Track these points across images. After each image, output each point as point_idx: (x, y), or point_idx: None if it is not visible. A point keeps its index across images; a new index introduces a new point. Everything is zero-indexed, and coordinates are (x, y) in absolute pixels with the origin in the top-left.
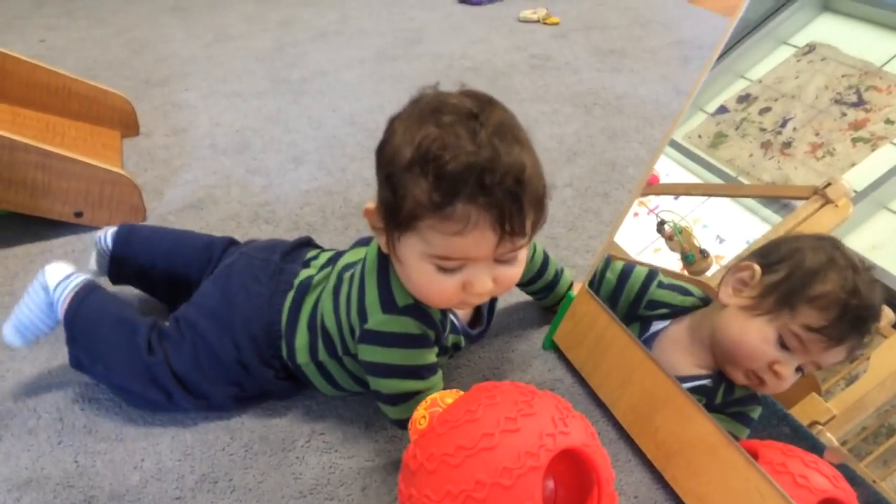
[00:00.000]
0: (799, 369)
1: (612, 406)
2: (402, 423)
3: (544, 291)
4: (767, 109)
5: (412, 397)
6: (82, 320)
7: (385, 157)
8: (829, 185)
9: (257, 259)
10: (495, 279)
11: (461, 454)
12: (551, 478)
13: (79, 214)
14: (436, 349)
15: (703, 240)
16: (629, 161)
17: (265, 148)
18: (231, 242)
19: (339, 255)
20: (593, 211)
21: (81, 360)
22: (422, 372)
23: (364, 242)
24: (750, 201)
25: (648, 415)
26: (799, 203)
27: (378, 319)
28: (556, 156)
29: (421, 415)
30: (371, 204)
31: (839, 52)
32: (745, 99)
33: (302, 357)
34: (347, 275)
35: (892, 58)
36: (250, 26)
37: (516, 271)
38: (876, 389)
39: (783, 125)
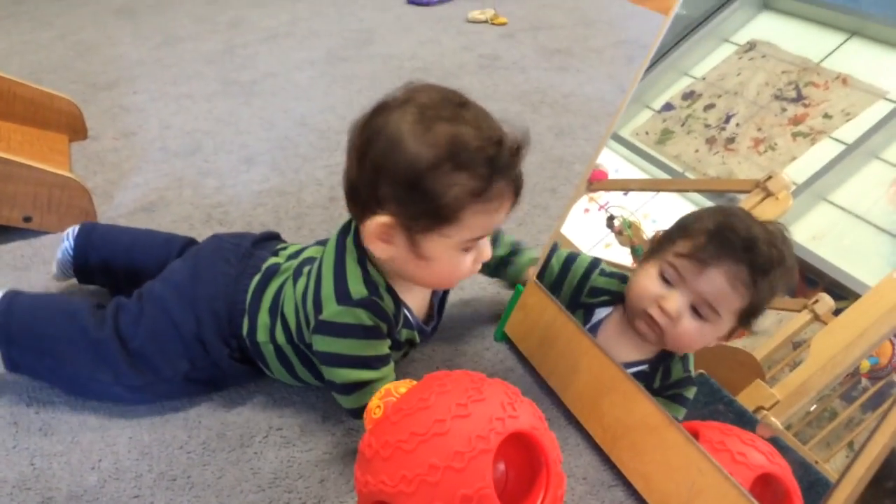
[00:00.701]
0: (695, 313)
1: (562, 393)
2: (357, 413)
3: (503, 266)
4: (711, 106)
5: (365, 387)
6: (18, 317)
7: (401, 169)
8: (769, 178)
9: (228, 243)
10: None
11: (414, 440)
12: (502, 461)
13: (27, 219)
14: (388, 341)
15: (651, 234)
16: (576, 157)
17: (217, 150)
18: (190, 242)
19: (303, 249)
20: (541, 206)
21: (19, 360)
22: (373, 362)
23: (324, 244)
24: (696, 196)
25: (595, 400)
26: (742, 196)
27: (332, 310)
28: None
29: (375, 404)
30: (383, 218)
31: (778, 50)
32: (689, 96)
33: (262, 335)
34: (307, 269)
35: (830, 54)
36: (199, 28)
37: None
38: (817, 374)
39: (727, 121)
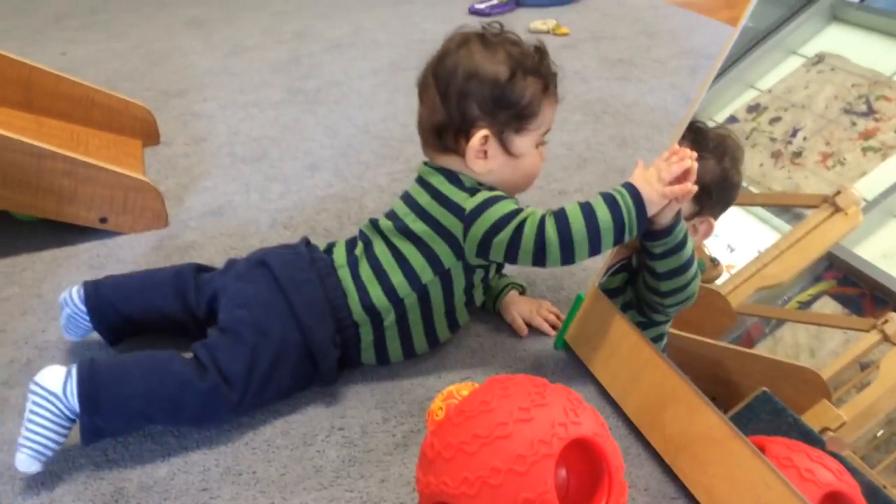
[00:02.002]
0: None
1: (622, 402)
2: (539, 253)
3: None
4: (777, 119)
5: (522, 226)
6: (104, 383)
7: (487, 87)
8: (838, 193)
9: (286, 254)
10: None
11: (477, 442)
12: (563, 467)
13: (103, 220)
14: None
15: (714, 249)
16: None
17: (282, 156)
18: (198, 268)
19: (353, 239)
20: None
21: (104, 426)
22: (518, 209)
23: (374, 222)
24: (761, 211)
25: (657, 410)
26: (809, 211)
27: (472, 202)
28: (567, 162)
29: (438, 406)
30: (482, 132)
31: (848, 62)
32: (754, 109)
33: (381, 302)
34: (411, 210)
35: None
36: (266, 38)
37: None
38: (886, 396)
39: (793, 135)
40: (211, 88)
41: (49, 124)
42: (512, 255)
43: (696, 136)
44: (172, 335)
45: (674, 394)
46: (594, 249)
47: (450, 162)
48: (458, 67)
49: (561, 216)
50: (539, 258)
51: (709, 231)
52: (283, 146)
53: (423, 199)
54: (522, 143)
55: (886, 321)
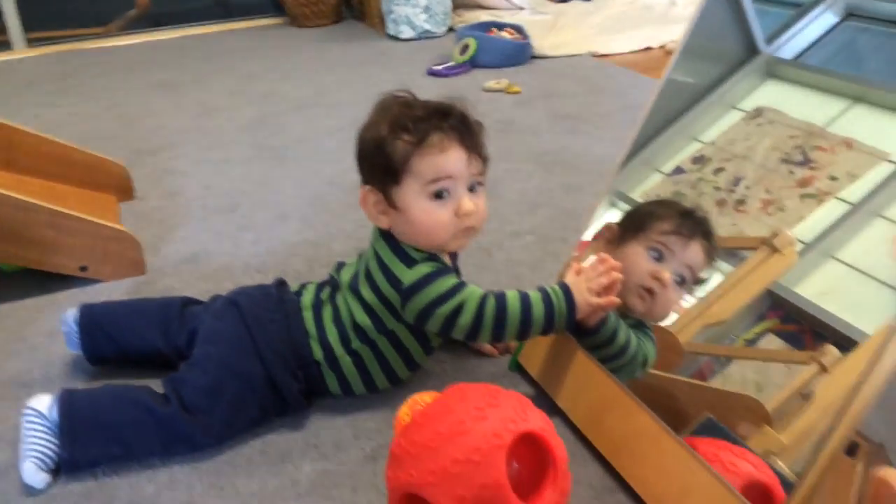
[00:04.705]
0: (682, 281)
1: (570, 412)
2: (474, 331)
3: None
4: (721, 169)
5: (462, 307)
6: (81, 414)
7: (368, 145)
8: (775, 235)
9: (256, 295)
10: (475, 205)
11: (439, 439)
12: (515, 461)
13: (84, 269)
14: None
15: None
16: (585, 210)
17: (253, 207)
18: (187, 301)
19: (323, 282)
20: (553, 254)
21: (81, 458)
22: (460, 286)
23: (339, 266)
24: None
25: (600, 416)
26: (748, 253)
27: (409, 275)
28: (520, 207)
29: (404, 412)
30: (363, 190)
31: (784, 116)
32: (699, 160)
33: (338, 349)
34: (362, 270)
35: (834, 119)
36: (234, 100)
37: (484, 203)
38: (820, 419)
39: (736, 184)
40: (182, 147)
41: (29, 182)
42: (448, 329)
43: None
44: (155, 367)
45: (614, 401)
46: (523, 336)
47: (379, 224)
48: (359, 136)
49: (500, 302)
50: (471, 335)
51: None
52: (254, 198)
53: (372, 263)
54: (403, 196)
55: (824, 353)
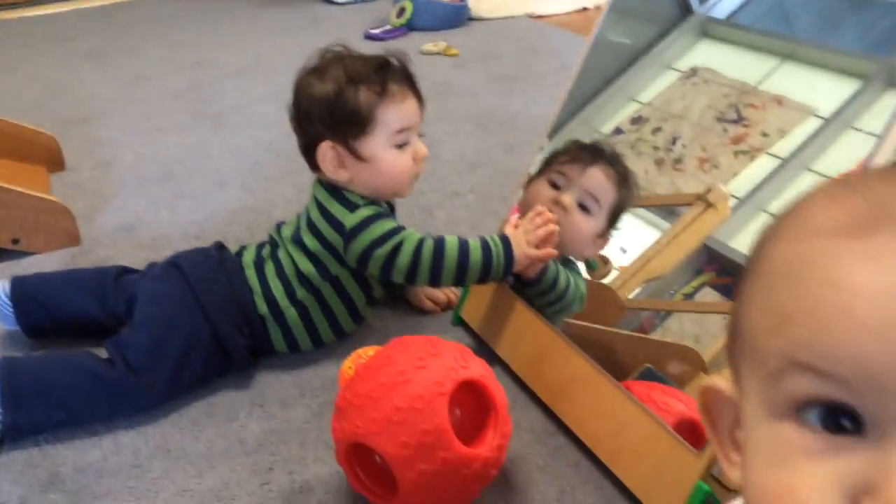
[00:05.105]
0: (582, 208)
1: (510, 361)
2: (412, 273)
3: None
4: (659, 129)
5: (400, 246)
6: (23, 380)
7: (323, 98)
8: (709, 191)
9: (196, 257)
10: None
11: (381, 389)
12: (457, 408)
13: (16, 241)
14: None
15: (607, 251)
16: (523, 169)
17: (190, 175)
18: (123, 270)
19: (263, 242)
20: (493, 212)
21: (24, 423)
22: (399, 229)
23: (279, 226)
24: (648, 215)
25: (538, 363)
26: (684, 209)
27: (351, 218)
28: (459, 168)
29: (348, 366)
30: (326, 143)
31: (718, 75)
32: (637, 121)
33: (282, 301)
34: (303, 222)
35: (765, 77)
36: (166, 67)
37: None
38: None
39: (673, 143)
40: (113, 116)
41: None
42: (387, 270)
43: (611, 161)
44: (93, 335)
45: (552, 347)
46: (459, 281)
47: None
48: (301, 95)
49: (439, 245)
50: (410, 277)
51: (605, 244)
52: (191, 166)
53: (314, 213)
54: (369, 145)
55: None
